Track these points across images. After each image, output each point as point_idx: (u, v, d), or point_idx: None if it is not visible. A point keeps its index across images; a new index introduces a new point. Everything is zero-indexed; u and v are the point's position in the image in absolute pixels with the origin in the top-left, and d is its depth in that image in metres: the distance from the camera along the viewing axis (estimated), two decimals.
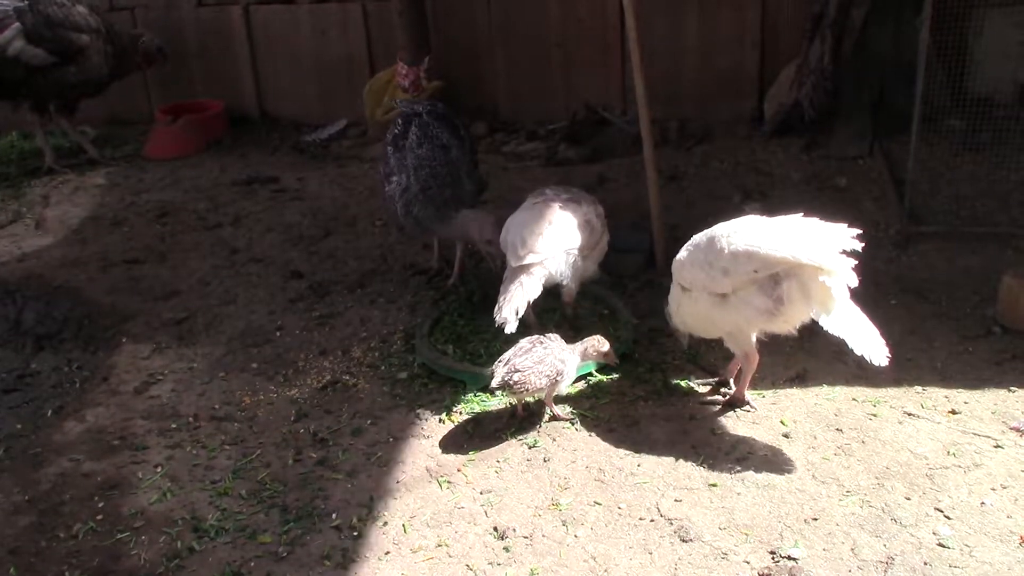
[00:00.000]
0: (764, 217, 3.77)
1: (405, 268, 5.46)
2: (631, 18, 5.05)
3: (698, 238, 3.86)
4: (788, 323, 3.70)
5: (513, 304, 4.03)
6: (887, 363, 3.45)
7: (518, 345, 3.87)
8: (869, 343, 3.45)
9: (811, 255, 3.44)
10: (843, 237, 3.47)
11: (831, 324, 3.49)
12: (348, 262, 5.62)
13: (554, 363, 3.83)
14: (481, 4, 7.58)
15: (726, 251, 3.64)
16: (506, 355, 3.85)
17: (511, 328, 3.99)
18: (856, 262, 3.44)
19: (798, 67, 6.65)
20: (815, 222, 3.62)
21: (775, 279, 3.57)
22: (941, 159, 5.91)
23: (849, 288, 3.46)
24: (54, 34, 7.01)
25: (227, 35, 8.31)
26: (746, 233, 3.65)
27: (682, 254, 3.90)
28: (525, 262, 4.14)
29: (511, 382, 3.75)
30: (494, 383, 3.78)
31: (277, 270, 5.57)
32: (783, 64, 6.91)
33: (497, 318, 4.02)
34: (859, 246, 3.45)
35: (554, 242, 4.21)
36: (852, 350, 3.45)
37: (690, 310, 3.94)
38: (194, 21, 8.38)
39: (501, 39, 7.63)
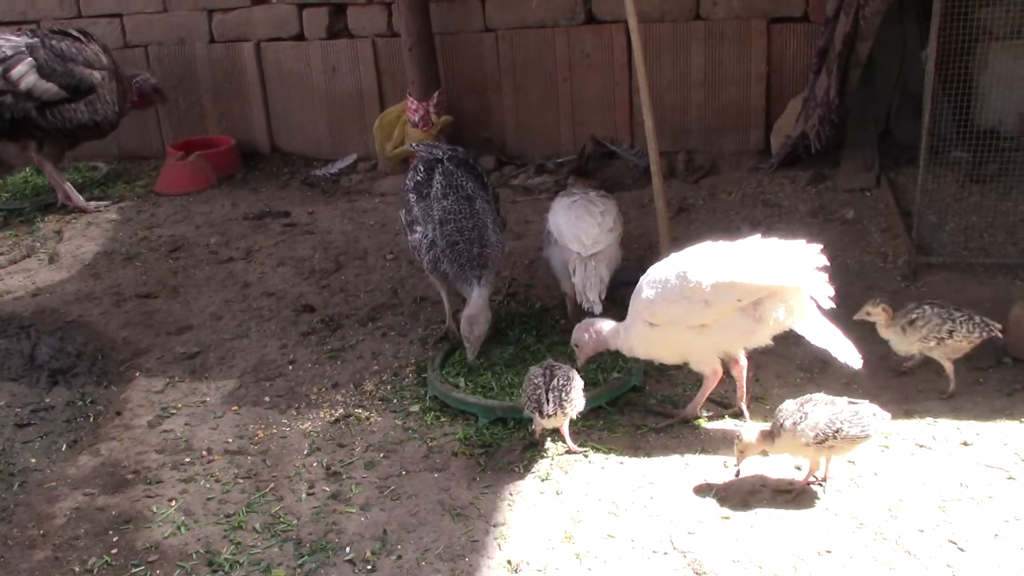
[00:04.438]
0: (721, 243, 3.90)
1: (416, 302, 5.48)
2: (639, 53, 5.11)
3: (661, 274, 3.92)
4: (767, 337, 3.89)
5: (595, 290, 4.54)
6: (861, 366, 3.77)
7: (545, 375, 3.88)
8: (846, 350, 3.75)
9: (793, 277, 3.66)
10: (811, 253, 3.70)
11: (810, 334, 3.76)
12: (359, 295, 5.65)
13: (580, 384, 3.92)
14: (490, 40, 7.66)
15: (705, 285, 3.72)
16: (540, 383, 3.84)
17: (599, 309, 4.47)
18: (827, 275, 3.69)
19: (804, 100, 6.70)
20: (775, 242, 3.81)
21: (756, 302, 3.73)
22: (948, 191, 5.94)
23: (822, 301, 3.72)
24: (66, 68, 7.08)
25: (239, 71, 8.39)
26: (720, 264, 3.76)
27: (647, 293, 3.94)
28: (592, 251, 4.61)
29: (564, 404, 3.80)
30: (548, 410, 3.78)
31: (289, 304, 5.60)
32: (789, 97, 6.97)
33: (584, 305, 4.54)
34: (825, 261, 3.69)
35: (609, 230, 4.71)
36: (835, 358, 3.75)
37: (661, 343, 4.02)
38: (206, 58, 8.47)
39: (509, 74, 7.69)
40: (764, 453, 3.68)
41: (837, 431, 3.42)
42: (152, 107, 8.01)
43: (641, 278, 4.04)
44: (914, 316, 4.12)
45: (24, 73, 6.96)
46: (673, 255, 4.00)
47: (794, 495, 3.57)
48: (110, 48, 7.60)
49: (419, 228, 4.78)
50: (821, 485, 3.61)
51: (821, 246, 3.73)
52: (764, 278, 3.67)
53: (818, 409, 3.48)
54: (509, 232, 6.12)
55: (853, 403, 3.52)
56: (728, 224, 6.09)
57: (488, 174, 5.20)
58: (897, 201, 5.97)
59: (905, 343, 4.19)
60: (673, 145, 7.25)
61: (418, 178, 4.91)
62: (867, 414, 3.47)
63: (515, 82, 7.70)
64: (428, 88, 7.39)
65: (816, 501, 3.53)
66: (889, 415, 3.58)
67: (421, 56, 7.37)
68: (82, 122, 7.25)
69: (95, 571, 3.49)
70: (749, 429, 3.65)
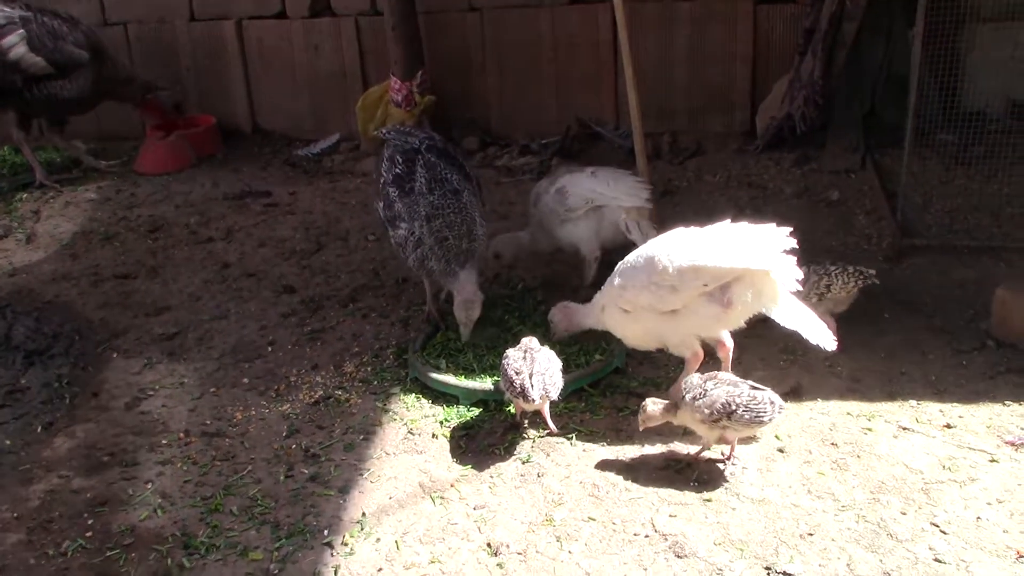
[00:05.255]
0: (692, 228, 3.90)
1: (397, 283, 5.43)
2: (624, 33, 5.07)
3: (632, 261, 3.95)
4: (738, 321, 3.89)
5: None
6: (836, 348, 3.74)
7: (526, 358, 3.85)
8: (820, 332, 3.69)
9: (758, 260, 3.64)
10: (779, 237, 3.67)
11: (781, 317, 3.73)
12: (340, 276, 5.60)
13: (559, 364, 3.91)
14: (474, 19, 7.59)
15: (671, 270, 3.73)
16: (522, 368, 3.81)
17: None
18: (795, 258, 3.67)
19: (790, 81, 6.67)
20: (745, 226, 3.79)
21: (723, 286, 3.72)
22: (933, 173, 5.93)
23: (789, 284, 3.69)
24: (56, 46, 7.07)
25: (220, 50, 8.30)
26: (687, 249, 3.75)
27: (619, 280, 3.97)
28: (648, 205, 4.98)
29: (549, 389, 3.79)
30: (534, 397, 3.74)
31: (269, 285, 5.55)
32: (775, 78, 6.93)
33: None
34: (794, 244, 3.66)
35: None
36: (807, 340, 3.67)
37: (635, 329, 4.03)
38: (187, 36, 8.37)
39: (494, 54, 7.63)
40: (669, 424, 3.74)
41: (731, 414, 3.47)
42: (160, 119, 7.99)
43: (618, 264, 4.05)
44: None
45: (15, 44, 6.97)
46: (648, 242, 4.01)
47: (688, 464, 3.67)
48: (96, 32, 7.61)
49: (404, 225, 4.56)
50: (724, 463, 3.65)
51: (790, 229, 3.71)
52: (728, 261, 3.66)
53: (719, 389, 3.53)
54: (493, 213, 6.09)
55: (756, 388, 3.55)
56: (713, 206, 6.06)
57: (469, 161, 5.09)
58: (882, 183, 5.96)
59: None
60: (658, 126, 7.20)
61: (397, 171, 4.67)
62: (764, 401, 3.50)
63: (499, 62, 7.64)
64: (412, 68, 7.33)
65: (799, 484, 3.51)
66: (787, 406, 3.63)
67: (404, 35, 7.31)
68: (64, 98, 7.27)
69: (69, 554, 3.44)
70: (655, 401, 3.69)
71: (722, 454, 3.71)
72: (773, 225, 3.74)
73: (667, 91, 7.28)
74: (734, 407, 3.46)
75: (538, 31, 7.48)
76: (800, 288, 3.74)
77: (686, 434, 3.85)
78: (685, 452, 3.75)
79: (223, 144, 8.22)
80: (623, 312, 3.98)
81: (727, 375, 3.64)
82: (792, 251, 3.67)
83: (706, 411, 3.49)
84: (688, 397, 3.55)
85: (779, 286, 3.70)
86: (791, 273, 3.66)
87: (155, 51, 8.43)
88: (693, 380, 3.61)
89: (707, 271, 3.68)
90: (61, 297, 5.54)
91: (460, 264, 4.47)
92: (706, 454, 3.71)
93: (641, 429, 3.73)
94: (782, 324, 3.74)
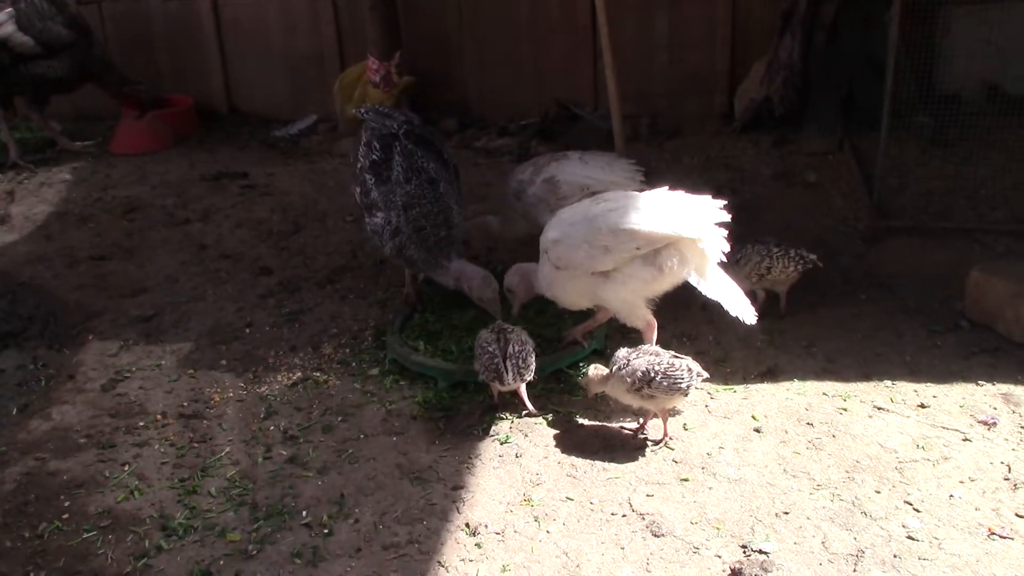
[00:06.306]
0: (631, 192, 4.01)
1: (376, 264, 5.42)
2: (602, 14, 5.07)
3: (569, 216, 4.00)
4: (666, 286, 3.96)
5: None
6: (755, 322, 3.85)
7: (499, 341, 3.86)
8: (741, 305, 3.82)
9: (691, 229, 3.74)
10: (713, 208, 3.80)
11: (707, 287, 3.84)
12: (318, 258, 5.58)
13: (532, 344, 3.94)
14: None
15: (605, 230, 3.81)
16: (496, 351, 3.81)
17: None
18: (726, 232, 3.78)
19: (768, 63, 6.68)
20: (682, 195, 3.91)
21: (655, 251, 3.81)
22: (910, 155, 5.96)
23: (715, 255, 3.82)
24: (44, 26, 7.06)
25: (196, 29, 8.23)
26: (625, 211, 3.83)
27: (553, 234, 4.00)
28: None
29: (522, 372, 3.82)
30: (509, 380, 3.79)
31: (246, 266, 5.52)
32: (753, 60, 6.94)
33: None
34: (727, 217, 3.78)
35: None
36: (727, 311, 3.83)
37: (567, 287, 4.06)
38: (162, 15, 8.29)
39: (472, 35, 7.60)
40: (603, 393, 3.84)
41: (650, 381, 3.56)
42: (138, 110, 7.93)
43: (551, 219, 4.10)
44: (738, 256, 4.33)
45: (3, 22, 6.97)
46: (584, 201, 4.09)
47: (638, 437, 3.76)
48: (83, 14, 7.58)
49: (380, 214, 4.52)
50: (652, 440, 3.74)
51: (724, 202, 3.83)
52: (662, 227, 3.75)
53: (641, 359, 3.63)
54: (470, 195, 6.07)
55: (677, 357, 3.65)
56: (691, 187, 6.01)
57: (445, 144, 5.01)
58: (859, 165, 5.99)
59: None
60: (637, 108, 7.20)
61: (374, 157, 4.60)
62: (682, 368, 3.59)
63: (478, 43, 7.61)
64: (390, 48, 7.29)
65: (775, 463, 3.54)
66: (706, 373, 3.70)
67: (382, 15, 7.27)
68: (50, 78, 7.27)
69: (46, 537, 3.42)
70: (596, 367, 3.83)
71: (639, 422, 3.81)
72: (708, 197, 3.86)
73: (646, 73, 7.28)
74: (653, 374, 3.56)
75: (517, 12, 7.45)
76: (725, 260, 3.85)
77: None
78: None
79: (199, 125, 8.15)
80: (556, 270, 4.02)
81: (652, 347, 3.76)
82: (723, 224, 3.79)
83: (628, 380, 3.60)
84: (615, 369, 3.67)
85: (707, 256, 3.81)
86: (719, 244, 3.78)
87: (129, 30, 8.34)
88: (620, 353, 3.71)
89: (641, 235, 3.77)
90: (36, 279, 5.48)
91: (445, 256, 4.45)
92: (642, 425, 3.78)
93: (590, 396, 3.87)
94: (705, 294, 3.84)
